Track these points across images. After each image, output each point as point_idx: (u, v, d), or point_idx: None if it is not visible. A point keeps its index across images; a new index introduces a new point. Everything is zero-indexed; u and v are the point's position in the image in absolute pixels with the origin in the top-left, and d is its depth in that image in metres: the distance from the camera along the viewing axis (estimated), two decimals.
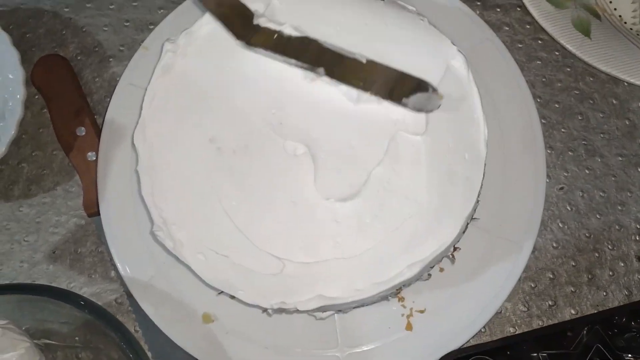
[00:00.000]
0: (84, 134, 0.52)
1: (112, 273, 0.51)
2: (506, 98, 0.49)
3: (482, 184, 0.40)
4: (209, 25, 0.42)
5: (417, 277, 0.41)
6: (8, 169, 0.53)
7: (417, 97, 0.40)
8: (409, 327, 0.45)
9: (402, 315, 0.45)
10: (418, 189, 0.40)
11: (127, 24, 0.57)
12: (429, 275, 0.44)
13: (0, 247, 0.52)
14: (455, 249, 0.43)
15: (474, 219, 0.44)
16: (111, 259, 0.50)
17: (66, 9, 0.57)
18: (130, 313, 0.50)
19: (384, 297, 0.43)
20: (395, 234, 0.40)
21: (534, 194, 0.47)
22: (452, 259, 0.44)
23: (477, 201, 0.42)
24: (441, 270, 0.45)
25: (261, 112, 0.41)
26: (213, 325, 0.45)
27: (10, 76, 0.50)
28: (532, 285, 0.51)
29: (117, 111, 0.50)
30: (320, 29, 0.41)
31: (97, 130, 0.52)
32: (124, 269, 0.47)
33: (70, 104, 0.53)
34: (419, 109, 0.40)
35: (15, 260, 0.51)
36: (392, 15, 0.43)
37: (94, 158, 0.51)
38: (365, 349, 0.44)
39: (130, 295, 0.49)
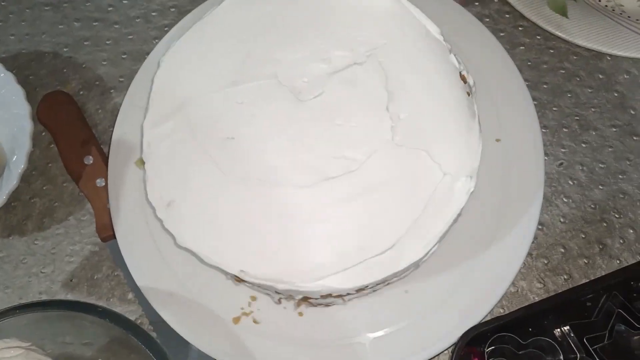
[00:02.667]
0: (91, 162, 0.54)
1: (130, 295, 0.51)
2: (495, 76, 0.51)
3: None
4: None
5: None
6: (21, 205, 0.55)
7: None
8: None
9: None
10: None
11: (125, 56, 0.59)
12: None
13: (19, 282, 0.52)
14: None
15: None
16: (128, 282, 0.51)
17: (65, 49, 0.60)
18: (151, 332, 0.50)
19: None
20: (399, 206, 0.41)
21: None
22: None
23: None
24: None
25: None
26: (240, 329, 0.45)
27: (17, 112, 0.52)
28: (545, 262, 0.51)
29: (122, 132, 0.51)
30: None
31: (104, 157, 0.54)
32: (142, 281, 0.47)
33: (77, 136, 0.55)
34: None
35: (34, 292, 0.52)
36: None
37: (103, 184, 0.53)
38: (387, 331, 0.44)
39: (149, 316, 0.49)
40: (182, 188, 0.42)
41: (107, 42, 0.60)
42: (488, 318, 0.46)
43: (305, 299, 0.43)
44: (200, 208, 0.42)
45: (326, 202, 0.41)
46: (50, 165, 0.56)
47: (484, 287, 0.45)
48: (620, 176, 0.53)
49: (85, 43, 0.60)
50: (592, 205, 0.52)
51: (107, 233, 0.52)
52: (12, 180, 0.51)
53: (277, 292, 0.43)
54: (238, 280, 0.42)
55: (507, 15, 0.58)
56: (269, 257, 0.40)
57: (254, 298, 0.46)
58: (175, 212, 0.42)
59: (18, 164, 0.51)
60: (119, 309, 0.51)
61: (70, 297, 0.52)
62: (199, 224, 0.41)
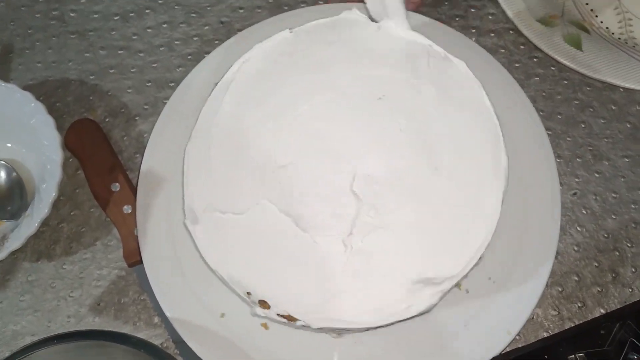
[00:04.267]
0: (118, 189, 0.55)
1: (156, 319, 0.53)
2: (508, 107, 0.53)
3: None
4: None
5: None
6: (49, 230, 0.56)
7: None
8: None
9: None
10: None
11: (149, 84, 0.61)
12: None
13: (47, 305, 0.54)
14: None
15: None
16: (153, 306, 0.53)
17: (91, 77, 0.61)
18: (177, 356, 0.52)
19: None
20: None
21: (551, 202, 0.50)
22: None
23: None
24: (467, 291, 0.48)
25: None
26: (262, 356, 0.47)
27: (46, 142, 0.54)
28: (560, 290, 0.52)
29: (151, 163, 0.53)
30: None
31: (130, 184, 0.55)
32: (168, 310, 0.49)
33: (103, 163, 0.56)
34: None
35: (63, 316, 0.54)
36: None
37: (130, 211, 0.54)
38: None
39: (175, 340, 0.51)
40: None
41: (132, 70, 0.62)
42: (507, 349, 0.47)
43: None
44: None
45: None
46: (77, 191, 0.58)
47: (502, 319, 0.47)
48: (632, 206, 0.55)
49: (111, 71, 0.62)
50: (605, 235, 0.54)
51: (134, 259, 0.53)
52: (43, 208, 0.52)
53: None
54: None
55: (522, 47, 0.60)
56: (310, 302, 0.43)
57: None
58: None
59: (49, 192, 0.52)
60: (145, 332, 0.53)
61: (97, 320, 0.53)
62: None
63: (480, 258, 0.44)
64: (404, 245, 0.44)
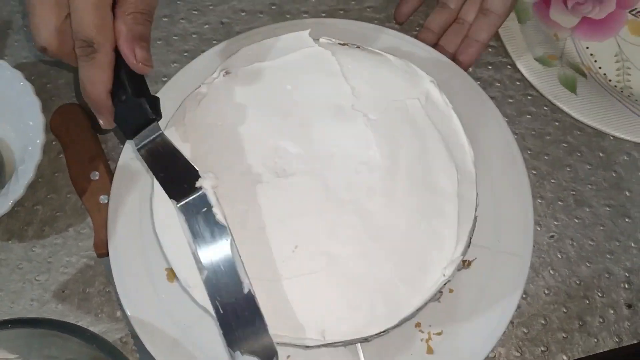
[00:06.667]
0: (97, 178, 0.55)
1: (118, 313, 0.53)
2: (481, 123, 0.53)
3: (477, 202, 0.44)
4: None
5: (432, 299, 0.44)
6: (23, 211, 0.56)
7: None
8: (429, 350, 0.47)
9: (422, 340, 0.47)
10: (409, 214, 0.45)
11: None
12: (440, 293, 0.46)
13: (13, 286, 0.54)
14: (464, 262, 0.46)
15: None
16: (117, 299, 0.52)
17: None
18: (135, 352, 0.51)
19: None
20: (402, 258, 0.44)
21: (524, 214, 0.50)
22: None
23: (475, 217, 0.45)
24: (451, 291, 0.48)
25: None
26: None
27: (31, 123, 0.54)
28: (525, 331, 0.52)
29: (130, 157, 0.52)
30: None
31: (110, 175, 0.55)
32: (129, 309, 0.48)
33: (86, 150, 0.56)
34: None
35: (26, 298, 0.53)
36: (365, 56, 0.49)
37: (106, 201, 0.54)
38: None
39: (134, 336, 0.51)
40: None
41: None
42: None
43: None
44: None
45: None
46: (57, 174, 0.57)
47: (461, 354, 0.47)
48: (608, 256, 0.54)
49: None
50: (577, 281, 0.54)
51: (104, 250, 0.53)
52: (18, 189, 0.52)
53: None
54: None
55: (518, 83, 0.59)
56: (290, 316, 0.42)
57: None
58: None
59: (26, 173, 0.52)
60: (106, 325, 0.52)
61: (60, 307, 0.53)
62: None
63: (440, 292, 0.43)
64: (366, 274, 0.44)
